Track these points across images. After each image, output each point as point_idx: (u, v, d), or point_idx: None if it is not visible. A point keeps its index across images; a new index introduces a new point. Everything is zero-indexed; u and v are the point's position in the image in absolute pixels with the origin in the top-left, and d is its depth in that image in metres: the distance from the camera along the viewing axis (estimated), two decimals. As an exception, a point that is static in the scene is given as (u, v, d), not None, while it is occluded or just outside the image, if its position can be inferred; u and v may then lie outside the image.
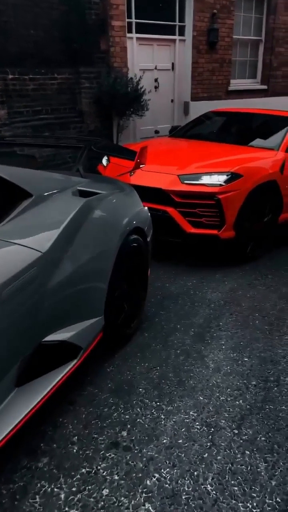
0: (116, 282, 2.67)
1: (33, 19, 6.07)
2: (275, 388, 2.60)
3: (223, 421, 2.29)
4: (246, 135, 5.53)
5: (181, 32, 7.66)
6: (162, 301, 3.68)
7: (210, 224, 4.27)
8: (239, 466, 2.02)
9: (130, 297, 2.97)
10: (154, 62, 7.43)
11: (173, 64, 7.69)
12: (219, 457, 2.05)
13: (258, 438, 2.19)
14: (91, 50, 6.73)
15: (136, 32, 7.09)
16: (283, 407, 2.44)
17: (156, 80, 7.51)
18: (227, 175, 4.23)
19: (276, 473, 1.99)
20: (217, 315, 3.49)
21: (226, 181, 4.20)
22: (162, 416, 2.30)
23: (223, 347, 3.03)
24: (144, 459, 2.01)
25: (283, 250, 4.96)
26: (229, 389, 2.56)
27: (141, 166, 3.38)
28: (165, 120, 7.66)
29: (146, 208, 3.23)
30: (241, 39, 8.67)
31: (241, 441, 2.16)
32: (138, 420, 2.26)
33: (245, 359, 2.90)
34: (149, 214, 3.28)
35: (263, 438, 2.19)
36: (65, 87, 6.60)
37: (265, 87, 9.05)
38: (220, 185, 4.17)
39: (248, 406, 2.42)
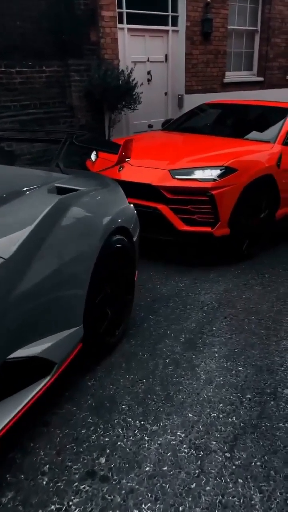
0: (97, 287, 2.41)
1: (20, 10, 5.78)
2: (272, 402, 2.35)
3: (214, 442, 2.04)
4: (241, 127, 5.25)
5: (174, 22, 7.36)
6: (152, 304, 3.42)
7: (204, 221, 4.00)
8: (230, 498, 1.76)
9: (114, 303, 2.71)
10: (147, 54, 7.14)
11: (166, 55, 7.40)
12: (208, 488, 1.80)
13: (253, 463, 1.93)
14: (81, 41, 6.44)
15: (128, 23, 6.79)
16: (281, 424, 2.19)
17: (148, 72, 7.21)
18: (220, 170, 3.97)
19: (273, 506, 1.74)
20: (210, 319, 3.23)
21: (220, 176, 3.93)
22: (146, 438, 2.04)
23: (216, 355, 2.77)
24: (123, 491, 1.76)
25: (280, 247, 4.69)
26: (221, 404, 2.31)
27: (126, 160, 3.11)
28: (158, 114, 7.37)
29: (132, 205, 2.96)
30: (236, 29, 8.36)
31: (234, 467, 1.91)
32: (119, 443, 2.01)
33: (240, 368, 2.64)
34: (135, 212, 3.00)
35: (258, 463, 1.94)
36: (54, 81, 6.31)
37: (261, 79, 8.74)
38: (214, 180, 3.90)
39: (242, 424, 2.17)
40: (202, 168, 4.02)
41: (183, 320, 3.19)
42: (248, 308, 3.43)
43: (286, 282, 3.93)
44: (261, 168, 4.24)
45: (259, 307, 3.47)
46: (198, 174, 3.98)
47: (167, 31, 7.30)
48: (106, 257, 2.49)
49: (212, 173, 3.95)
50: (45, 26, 6.04)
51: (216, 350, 2.82)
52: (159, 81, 7.41)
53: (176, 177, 4.00)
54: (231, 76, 8.34)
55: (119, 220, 2.70)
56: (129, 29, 6.81)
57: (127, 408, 2.24)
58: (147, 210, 4.06)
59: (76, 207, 2.37)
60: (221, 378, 2.52)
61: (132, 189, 4.14)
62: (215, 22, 7.64)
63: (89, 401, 2.27)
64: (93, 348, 2.49)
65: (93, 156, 4.75)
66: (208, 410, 2.25)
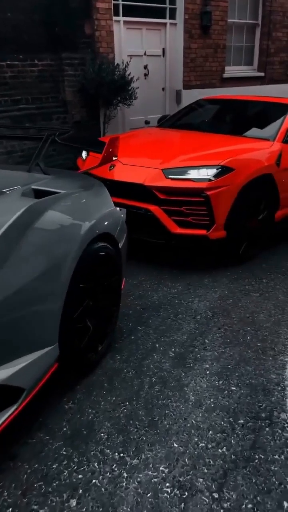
0: (75, 300, 2.17)
1: (11, 1, 5.49)
2: (267, 429, 2.11)
3: (201, 480, 1.80)
4: (240, 124, 4.99)
5: (172, 15, 7.06)
6: (141, 313, 3.18)
7: (198, 224, 3.75)
8: None
9: (97, 315, 2.47)
10: (143, 48, 6.84)
11: (163, 49, 7.10)
12: (191, 538, 1.56)
13: (244, 506, 1.70)
14: (75, 34, 6.15)
15: (123, 15, 6.50)
16: (276, 456, 1.95)
17: (145, 67, 6.93)
18: (216, 169, 3.71)
19: None
20: (202, 330, 2.99)
21: (216, 176, 3.68)
22: (125, 474, 1.81)
23: (207, 372, 2.53)
24: None
25: (280, 250, 4.44)
26: (211, 432, 2.07)
27: (114, 158, 2.86)
28: (156, 110, 7.09)
29: (118, 209, 2.71)
30: (236, 23, 8.04)
31: (222, 510, 1.67)
32: (93, 481, 1.77)
33: (233, 388, 2.40)
34: (122, 215, 2.75)
35: (249, 505, 1.70)
36: (46, 75, 6.03)
37: (262, 74, 8.44)
38: (209, 180, 3.65)
39: (233, 456, 1.93)
40: (197, 167, 3.76)
41: (174, 331, 2.95)
42: (244, 318, 3.19)
43: (285, 288, 3.69)
44: (260, 167, 3.99)
45: (255, 316, 3.22)
46: (193, 174, 3.73)
47: (164, 24, 7.01)
48: (87, 267, 2.25)
49: (208, 173, 3.70)
50: (38, 18, 5.76)
51: (207, 366, 2.58)
52: (156, 76, 7.12)
53: (170, 176, 3.75)
54: (230, 71, 8.04)
55: (103, 226, 2.46)
56: (125, 22, 6.52)
57: (105, 437, 2.00)
58: (138, 211, 3.81)
59: (52, 212, 2.12)
60: (211, 400, 2.28)
61: (123, 189, 3.91)
62: (214, 15, 7.34)
63: (65, 428, 2.04)
64: (72, 367, 2.25)
65: (83, 154, 4.49)
66: (196, 439, 2.01)
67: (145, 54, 6.90)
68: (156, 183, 3.74)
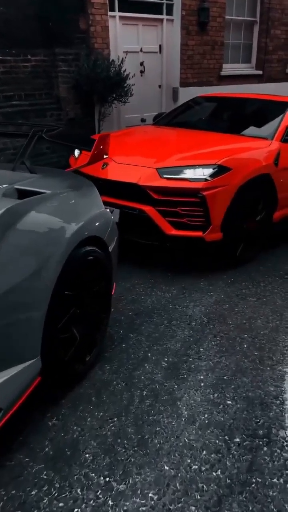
0: (60, 309, 2.01)
1: (3, -6, 5.31)
2: (265, 448, 1.95)
3: (193, 508, 1.64)
4: (237, 122, 4.82)
5: (169, 11, 6.88)
6: (134, 319, 3.02)
7: (194, 225, 3.59)
8: None
9: (84, 324, 2.30)
10: (140, 44, 6.66)
11: (160, 46, 6.92)
12: None
13: (240, 538, 1.54)
14: (69, 29, 5.96)
15: (119, 11, 6.32)
16: (274, 479, 1.79)
17: (141, 63, 6.75)
18: (213, 168, 3.55)
19: None
20: (197, 338, 2.83)
21: (212, 175, 3.52)
22: (110, 502, 1.65)
23: (202, 384, 2.37)
24: None
25: (278, 252, 4.29)
26: (204, 452, 1.91)
27: (105, 156, 2.69)
28: (152, 108, 6.92)
29: (108, 210, 2.54)
30: (234, 19, 7.87)
31: None
32: (75, 510, 1.61)
33: (228, 401, 2.24)
34: (112, 217, 2.59)
35: (246, 538, 1.54)
36: (40, 70, 5.85)
37: (260, 72, 8.26)
38: (205, 179, 3.49)
39: (228, 480, 1.77)
40: (193, 166, 3.60)
41: (167, 339, 2.79)
42: (241, 324, 3.03)
43: (283, 292, 3.54)
44: (258, 167, 3.83)
45: (253, 322, 3.07)
46: (188, 173, 3.57)
47: (161, 20, 6.83)
48: (73, 272, 2.09)
49: (204, 172, 3.54)
50: (31, 12, 5.57)
51: (202, 377, 2.42)
52: (152, 73, 6.95)
53: (164, 176, 3.58)
54: (228, 68, 7.87)
55: (91, 228, 2.29)
56: (120, 17, 6.34)
57: (91, 458, 1.84)
58: (132, 212, 3.65)
59: (35, 214, 1.96)
60: (206, 416, 2.12)
61: (116, 189, 3.74)
62: (212, 11, 7.17)
63: (47, 449, 1.87)
64: (56, 382, 2.09)
65: (76, 153, 4.32)
66: (188, 461, 1.85)
67: (141, 50, 6.72)
68: (151, 183, 3.58)
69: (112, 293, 2.64)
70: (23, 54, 5.64)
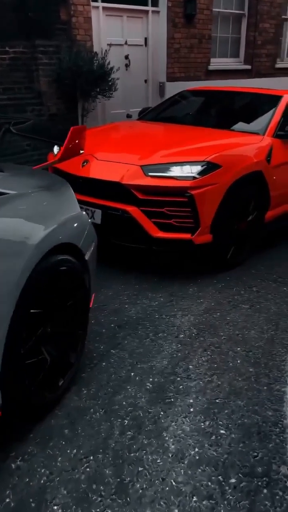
0: (25, 330, 1.69)
1: (-22, -18, 4.93)
2: (265, 490, 1.66)
3: None
4: (227, 117, 4.53)
5: (155, 2, 6.54)
6: (116, 332, 2.70)
7: (182, 227, 3.30)
8: None
9: (57, 344, 1.99)
10: (124, 37, 6.32)
11: (146, 39, 6.59)
12: None
13: None
14: (49, 20, 5.60)
15: (102, 1, 5.97)
16: (278, 532, 1.49)
17: (126, 57, 6.41)
18: (201, 166, 3.25)
19: None
20: (186, 353, 2.53)
21: (201, 173, 3.22)
22: None
23: (191, 409, 2.07)
24: None
25: (270, 254, 4.01)
26: (195, 498, 1.61)
27: (81, 152, 2.37)
28: (138, 103, 6.58)
29: (84, 213, 2.22)
30: (222, 12, 7.56)
31: None
32: None
33: (221, 431, 1.94)
34: (90, 221, 2.26)
35: None
36: (19, 63, 5.47)
37: (248, 67, 7.97)
38: (193, 178, 3.19)
39: (223, 536, 1.47)
40: (180, 163, 3.30)
41: (153, 355, 2.49)
42: (233, 336, 2.74)
43: (278, 298, 3.26)
44: (249, 164, 3.54)
45: (246, 333, 2.78)
46: (175, 171, 3.26)
47: (146, 11, 6.49)
48: (41, 286, 1.77)
49: (192, 170, 3.24)
50: (8, 1, 5.19)
51: (191, 401, 2.12)
52: (138, 67, 6.61)
53: (150, 174, 3.27)
54: (216, 63, 7.56)
55: (64, 234, 1.97)
56: (104, 8, 5.99)
57: (59, 511, 1.52)
58: (115, 213, 3.34)
59: (-7, 220, 1.63)
60: (196, 450, 1.82)
61: (98, 188, 3.42)
62: (199, 3, 6.85)
63: (7, 499, 1.56)
64: (20, 417, 1.77)
65: (55, 149, 3.96)
66: (176, 511, 1.55)
67: (126, 43, 6.39)
68: (135, 181, 3.27)
69: (90, 305, 2.32)
70: (1, 46, 5.26)
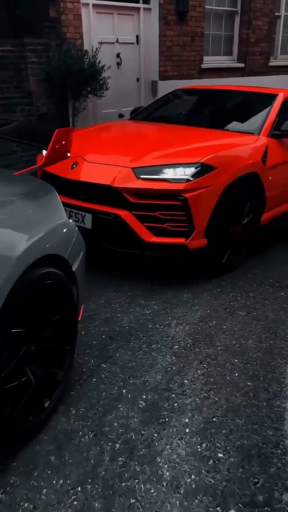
0: (5, 351, 1.53)
1: None
2: (267, 523, 1.52)
3: None
4: (221, 116, 4.39)
5: (146, -1, 6.39)
6: (107, 344, 2.56)
7: (176, 231, 3.16)
8: None
9: (43, 363, 1.84)
10: (115, 35, 6.15)
11: (137, 36, 6.42)
12: None
13: None
14: (38, 17, 5.43)
15: (93, -2, 5.80)
16: None
17: (118, 55, 6.24)
18: (195, 167, 3.11)
19: None
20: (181, 366, 2.39)
21: (195, 175, 3.09)
22: None
23: (187, 430, 1.93)
24: None
25: (267, 257, 3.88)
26: (191, 534, 1.47)
27: (68, 155, 2.21)
28: (130, 102, 6.42)
29: (71, 221, 2.07)
30: (214, 9, 7.40)
31: None
32: None
33: (219, 454, 1.81)
34: (77, 229, 2.11)
35: None
36: (7, 62, 5.30)
37: (242, 65, 7.83)
38: (187, 180, 3.06)
39: None
40: (173, 165, 3.16)
41: (146, 369, 2.34)
42: (230, 346, 2.60)
43: (275, 304, 3.13)
44: (244, 165, 3.40)
45: (243, 343, 2.65)
46: (168, 173, 3.12)
47: (138, 8, 6.33)
48: (24, 302, 1.63)
49: (185, 172, 3.10)
50: (-5, -2, 5.02)
51: (187, 420, 1.98)
52: (130, 65, 6.45)
53: (141, 176, 3.13)
54: (209, 61, 7.41)
55: (49, 245, 1.82)
56: (94, 5, 5.82)
57: None
58: (106, 217, 3.19)
59: None
60: (192, 477, 1.68)
61: (88, 191, 3.27)
62: (191, 0, 6.69)
63: None
64: (1, 444, 1.62)
65: (44, 152, 3.80)
66: None
67: (117, 41, 6.22)
68: (126, 184, 3.12)
69: (79, 318, 2.17)
70: (-12, 43, 5.09)
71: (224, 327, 2.81)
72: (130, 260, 3.41)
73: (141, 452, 1.78)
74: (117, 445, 1.81)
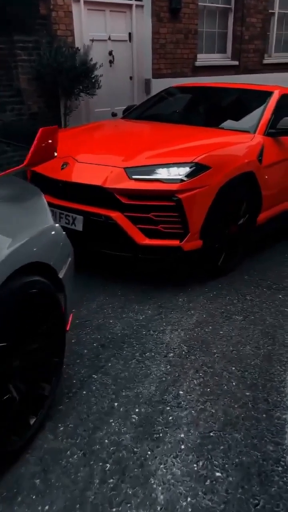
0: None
1: None
2: None
3: None
4: (215, 114, 4.27)
5: (139, -4, 6.24)
6: (99, 353, 2.43)
7: (170, 233, 3.03)
8: None
9: (28, 378, 1.71)
10: (108, 32, 6.00)
11: (130, 34, 6.28)
12: None
13: None
14: (28, 14, 5.26)
15: (84, -6, 5.65)
16: None
17: (110, 53, 6.09)
18: (190, 167, 2.99)
19: None
20: (176, 375, 2.27)
21: (189, 175, 2.96)
22: None
23: (182, 447, 1.80)
24: None
25: (263, 258, 3.76)
26: None
27: (55, 154, 2.08)
28: (123, 101, 6.27)
29: (58, 225, 1.94)
30: (208, 6, 7.26)
31: None
32: None
33: (217, 473, 1.68)
34: (64, 233, 1.98)
35: None
36: (-4, 60, 5.15)
37: (236, 63, 7.70)
38: (181, 180, 2.93)
39: None
40: (167, 165, 3.03)
41: (139, 379, 2.22)
42: (227, 353, 2.49)
43: (273, 307, 3.02)
44: (240, 165, 3.28)
45: (241, 349, 2.53)
46: (162, 173, 3.00)
47: (130, 5, 6.18)
48: (6, 314, 1.49)
49: (179, 172, 2.98)
50: (-17, -6, 4.86)
51: (182, 436, 1.86)
52: (123, 63, 6.31)
53: (134, 177, 3.00)
54: (203, 59, 7.28)
55: (32, 252, 1.69)
56: (85, 2, 5.67)
57: None
58: (98, 219, 3.06)
59: None
60: (188, 500, 1.56)
61: (79, 193, 3.15)
62: (184, -3, 6.56)
63: None
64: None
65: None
66: None
67: (109, 38, 6.07)
68: (118, 185, 2.99)
69: (67, 328, 2.04)
70: (-24, 41, 4.93)
71: (221, 332, 2.69)
72: (123, 263, 3.28)
73: (134, 473, 1.66)
74: (107, 465, 1.69)
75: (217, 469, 1.70)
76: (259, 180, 3.45)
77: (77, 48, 5.37)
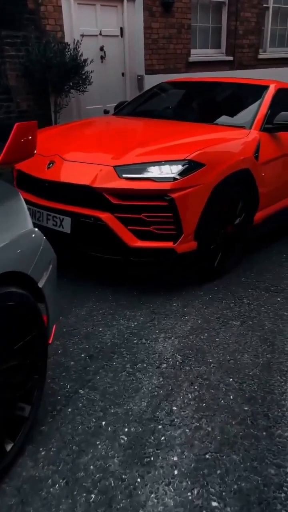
0: None
1: None
2: None
3: None
4: (210, 110, 4.09)
5: (130, -10, 6.04)
6: (87, 365, 2.25)
7: (163, 234, 2.86)
8: None
9: (4, 399, 1.53)
10: (98, 27, 5.81)
11: (121, 29, 6.08)
12: None
13: None
14: (16, 9, 5.06)
15: (73, -12, 5.45)
16: None
17: (102, 48, 5.89)
18: (183, 165, 2.81)
19: None
20: (169, 389, 2.09)
21: (182, 173, 2.79)
22: None
23: (175, 472, 1.63)
24: None
25: (260, 259, 3.60)
26: None
27: (34, 152, 1.89)
28: (115, 97, 6.08)
29: (36, 230, 1.75)
30: (201, 0, 7.06)
31: None
32: None
33: (214, 503, 1.51)
34: (43, 238, 1.79)
35: None
36: (-17, 56, 4.95)
37: (230, 58, 7.51)
38: (174, 179, 2.76)
39: None
40: (159, 163, 2.85)
41: (130, 394, 2.04)
42: (224, 362, 2.31)
43: (271, 311, 2.85)
44: (236, 162, 3.11)
45: (238, 358, 2.36)
46: (153, 172, 2.82)
47: (121, 0, 5.98)
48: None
49: (172, 170, 2.80)
50: None
51: (175, 459, 1.68)
52: (114, 59, 6.11)
53: (124, 175, 2.82)
54: (197, 54, 7.09)
55: (8, 261, 1.51)
56: (75, -4, 5.47)
57: None
58: (86, 220, 2.88)
59: None
60: (182, 536, 1.39)
61: (66, 193, 2.96)
62: (177, -9, 6.37)
63: None
64: None
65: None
66: None
67: (100, 34, 5.87)
68: (107, 184, 2.81)
69: (50, 341, 1.86)
70: None
71: (217, 339, 2.52)
72: (114, 266, 3.10)
73: (121, 504, 1.48)
74: (92, 495, 1.51)
75: (214, 497, 1.53)
76: (255, 178, 3.29)
77: (67, 43, 5.17)
